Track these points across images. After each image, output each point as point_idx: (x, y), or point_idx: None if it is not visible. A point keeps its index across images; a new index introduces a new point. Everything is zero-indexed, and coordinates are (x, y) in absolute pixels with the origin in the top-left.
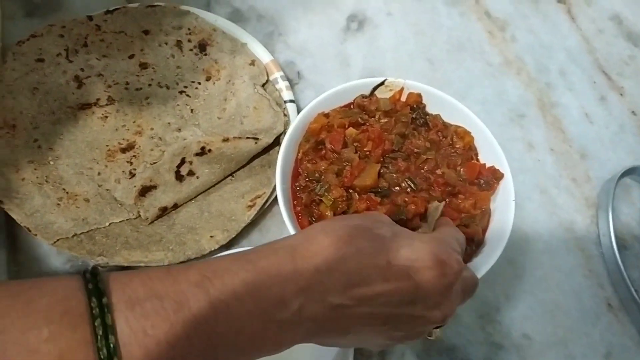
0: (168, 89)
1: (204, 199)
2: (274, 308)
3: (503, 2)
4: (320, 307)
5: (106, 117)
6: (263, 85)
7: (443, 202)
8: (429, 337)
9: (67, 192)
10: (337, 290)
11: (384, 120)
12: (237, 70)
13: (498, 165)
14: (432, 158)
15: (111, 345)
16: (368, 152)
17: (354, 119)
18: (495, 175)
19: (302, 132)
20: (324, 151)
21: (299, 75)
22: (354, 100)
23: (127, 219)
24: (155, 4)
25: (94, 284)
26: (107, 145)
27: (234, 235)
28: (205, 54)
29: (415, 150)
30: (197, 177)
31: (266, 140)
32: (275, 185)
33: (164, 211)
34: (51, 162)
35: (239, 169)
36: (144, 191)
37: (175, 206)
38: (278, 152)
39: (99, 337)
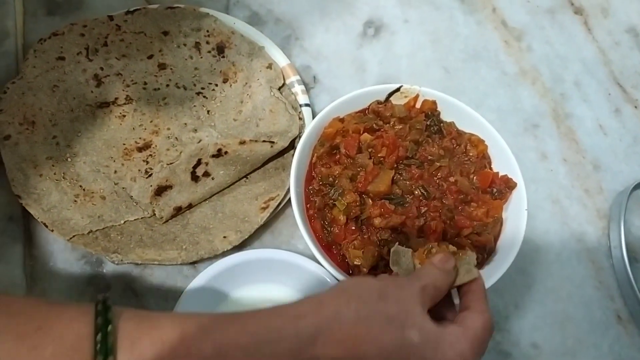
0: (185, 90)
1: (218, 199)
2: None
3: (520, 12)
4: None
5: (124, 116)
6: (279, 89)
7: (410, 250)
8: None
9: (83, 189)
10: None
11: (398, 127)
12: (254, 73)
13: (511, 174)
14: (445, 166)
15: None
16: (382, 158)
17: (369, 124)
18: (508, 184)
19: (317, 136)
20: (338, 156)
21: (315, 80)
22: (369, 106)
23: (141, 218)
24: (175, 5)
25: (104, 336)
26: (124, 144)
27: (246, 237)
28: (223, 56)
29: (429, 157)
30: (212, 178)
31: (282, 143)
32: (288, 188)
33: (178, 211)
34: (69, 159)
35: (253, 171)
36: (160, 191)
37: (190, 206)
38: (292, 155)
39: None
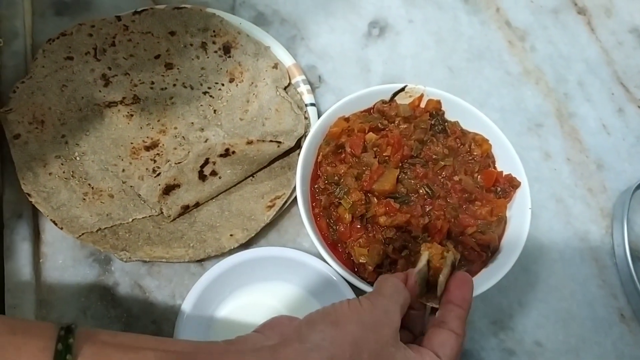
0: (192, 90)
1: (225, 198)
2: None
3: (523, 12)
4: None
5: (131, 115)
6: (285, 88)
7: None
8: None
9: (92, 188)
10: None
11: (403, 126)
12: (260, 73)
13: (515, 174)
14: (450, 165)
15: None
16: (387, 157)
17: (374, 124)
18: (512, 183)
19: (323, 136)
20: (343, 155)
21: (320, 79)
22: (374, 106)
23: (149, 216)
24: (182, 6)
25: None
26: (132, 143)
27: (253, 235)
28: (229, 56)
29: (434, 156)
30: (220, 177)
31: (288, 143)
32: (294, 187)
33: (186, 209)
34: (77, 158)
35: (259, 170)
36: (168, 189)
37: (197, 205)
38: (298, 154)
39: None
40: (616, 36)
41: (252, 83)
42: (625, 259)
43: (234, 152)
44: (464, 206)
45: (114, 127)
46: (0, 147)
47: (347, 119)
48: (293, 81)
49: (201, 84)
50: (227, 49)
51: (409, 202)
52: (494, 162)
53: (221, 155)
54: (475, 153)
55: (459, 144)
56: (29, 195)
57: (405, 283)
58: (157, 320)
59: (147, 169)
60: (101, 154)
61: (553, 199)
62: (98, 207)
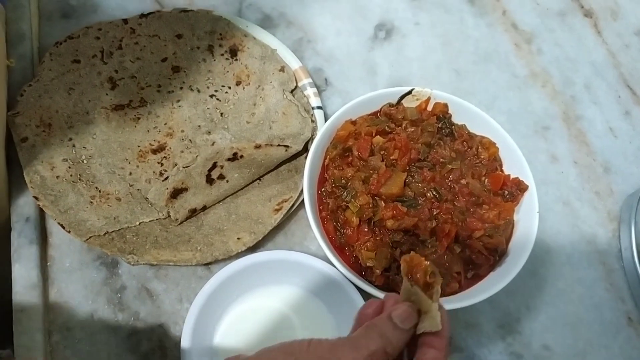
0: (199, 93)
1: (232, 201)
2: None
3: (530, 15)
4: None
5: (138, 118)
6: (292, 91)
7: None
8: None
9: (99, 191)
10: None
11: (410, 130)
12: (267, 76)
13: (522, 177)
14: (457, 168)
15: None
16: (394, 161)
17: (381, 127)
18: (520, 187)
19: (330, 139)
20: (350, 158)
21: (327, 82)
22: (380, 109)
23: (156, 219)
24: (189, 9)
25: None
26: (139, 146)
27: (260, 238)
28: (236, 59)
29: (441, 159)
30: (227, 181)
31: (296, 147)
32: (301, 190)
33: (193, 213)
34: (84, 161)
35: (266, 174)
36: (176, 193)
37: (204, 208)
38: (305, 158)
39: None
40: (622, 39)
41: (259, 86)
42: (633, 262)
43: (242, 156)
44: (471, 209)
45: (120, 130)
46: (8, 150)
47: (354, 122)
48: (300, 84)
49: (208, 87)
50: (233, 52)
51: (416, 206)
52: (501, 166)
53: (229, 159)
54: (482, 156)
55: (466, 147)
56: (36, 198)
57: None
58: (164, 323)
59: (154, 172)
60: (108, 157)
61: (560, 202)
62: (105, 211)
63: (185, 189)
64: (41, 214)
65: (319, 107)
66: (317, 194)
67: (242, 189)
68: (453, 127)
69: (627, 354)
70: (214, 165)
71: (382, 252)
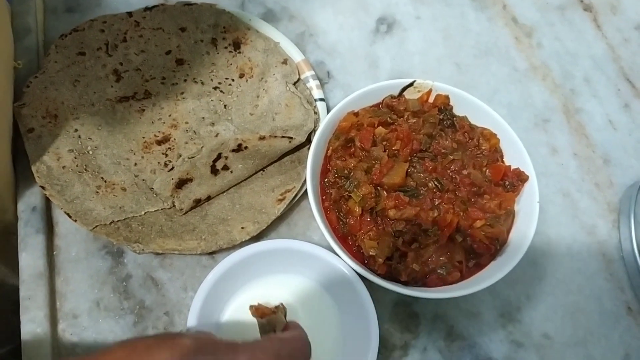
0: (203, 85)
1: (236, 191)
2: None
3: (530, 9)
4: None
5: (143, 110)
6: (295, 84)
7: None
8: None
9: (105, 181)
10: None
11: (412, 121)
12: (270, 69)
13: (523, 168)
14: (458, 159)
15: None
16: (396, 151)
17: (383, 118)
18: (520, 177)
19: (332, 130)
20: (353, 149)
21: (329, 75)
22: (382, 101)
23: (161, 209)
24: (192, 2)
25: None
26: (144, 137)
27: (264, 228)
28: (240, 52)
29: (443, 150)
30: (231, 172)
31: (299, 139)
32: (304, 180)
33: (197, 203)
34: (90, 152)
35: (269, 164)
36: (181, 183)
37: (209, 198)
38: (308, 149)
39: None
40: (622, 33)
41: (262, 78)
42: (632, 253)
43: (246, 147)
44: (472, 200)
45: (125, 121)
46: (15, 141)
47: (356, 114)
48: (302, 76)
49: (211, 80)
50: (237, 45)
51: (418, 196)
52: (502, 157)
53: (234, 150)
54: (483, 147)
55: (467, 139)
56: (43, 188)
57: None
58: (169, 312)
59: (158, 162)
60: (113, 148)
61: (560, 193)
62: (111, 200)
63: (190, 180)
64: (47, 204)
65: (321, 99)
66: (320, 184)
67: (245, 179)
68: (454, 118)
69: (626, 343)
70: (219, 156)
71: (384, 242)
